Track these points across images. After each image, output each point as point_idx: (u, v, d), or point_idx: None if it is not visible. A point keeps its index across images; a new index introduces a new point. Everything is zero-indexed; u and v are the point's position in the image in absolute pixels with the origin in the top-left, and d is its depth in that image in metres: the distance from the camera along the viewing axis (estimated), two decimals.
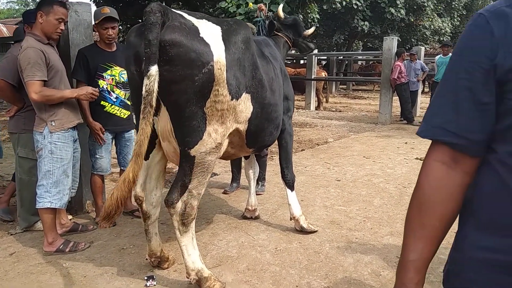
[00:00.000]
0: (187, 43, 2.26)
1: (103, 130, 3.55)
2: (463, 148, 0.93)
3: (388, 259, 3.07)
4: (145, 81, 2.18)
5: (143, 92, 2.19)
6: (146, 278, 2.76)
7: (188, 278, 2.60)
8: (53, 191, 3.07)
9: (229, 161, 5.24)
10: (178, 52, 2.25)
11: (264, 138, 3.00)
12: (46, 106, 3.05)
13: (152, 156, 2.70)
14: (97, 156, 3.63)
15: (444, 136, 0.94)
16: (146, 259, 2.93)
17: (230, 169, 4.90)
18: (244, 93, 2.58)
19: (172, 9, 2.38)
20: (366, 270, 2.89)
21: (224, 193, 4.68)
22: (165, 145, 2.59)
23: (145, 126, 2.22)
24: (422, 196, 0.98)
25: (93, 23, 3.73)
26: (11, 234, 3.50)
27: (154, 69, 2.17)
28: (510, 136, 0.87)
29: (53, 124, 3.06)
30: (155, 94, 2.19)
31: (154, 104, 2.20)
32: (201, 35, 2.34)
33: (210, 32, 2.39)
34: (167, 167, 2.93)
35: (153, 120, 2.47)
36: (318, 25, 12.76)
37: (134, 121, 3.82)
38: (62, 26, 3.14)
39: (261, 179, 4.66)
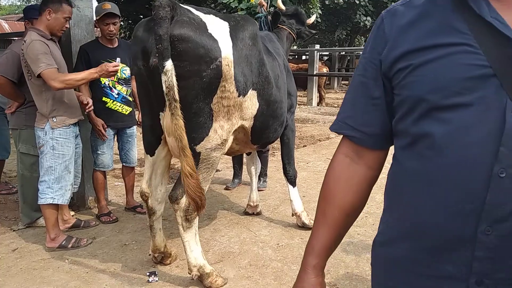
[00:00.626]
0: (196, 39, 2.25)
1: (105, 126, 3.54)
2: (361, 141, 0.97)
3: None
4: (163, 78, 2.18)
5: (164, 89, 2.19)
6: (148, 274, 2.76)
7: (190, 274, 2.61)
8: (55, 187, 3.08)
9: (231, 157, 5.24)
10: (187, 48, 2.24)
11: (269, 134, 3.00)
12: (47, 102, 3.05)
13: (157, 152, 2.70)
14: (99, 152, 3.64)
15: (344, 130, 0.99)
16: (149, 254, 2.94)
17: (232, 165, 4.90)
18: (250, 90, 2.57)
19: (180, 4, 2.37)
20: (368, 265, 2.87)
21: (226, 189, 4.68)
22: (171, 141, 2.58)
23: (177, 121, 2.23)
24: (326, 186, 1.02)
25: (94, 19, 3.72)
26: (14, 230, 3.52)
27: (169, 64, 2.16)
28: (399, 130, 0.89)
29: (55, 120, 3.06)
30: (176, 89, 2.19)
31: (177, 98, 2.20)
32: (209, 31, 2.32)
33: (218, 28, 2.38)
34: (171, 163, 2.93)
35: (159, 115, 2.48)
36: (319, 17, 12.67)
37: (136, 118, 3.83)
38: (67, 24, 3.15)
39: (262, 175, 4.65)
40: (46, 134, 3.06)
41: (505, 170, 0.74)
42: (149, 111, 2.59)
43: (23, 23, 3.67)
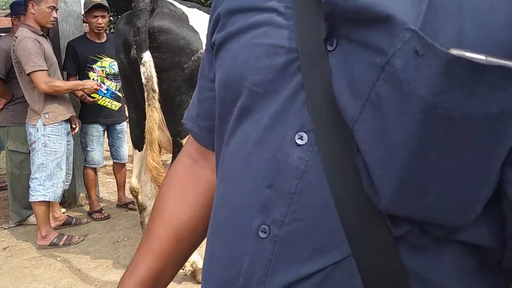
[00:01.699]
0: (176, 30, 2.25)
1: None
2: (200, 138, 0.70)
3: None
4: (142, 69, 2.19)
5: (143, 79, 2.20)
6: None
7: (183, 269, 2.60)
8: (47, 184, 3.05)
9: None
10: (167, 39, 2.24)
11: None
12: (39, 98, 3.01)
13: (145, 146, 2.68)
14: (89, 148, 3.60)
15: (185, 120, 0.73)
16: None
17: None
18: None
19: None
20: None
21: None
22: (158, 134, 2.57)
23: (152, 113, 2.24)
24: (159, 193, 0.73)
25: (82, 12, 3.68)
26: (4, 229, 3.48)
27: (147, 55, 2.17)
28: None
29: (47, 116, 3.02)
30: (155, 79, 2.20)
31: (156, 89, 2.21)
32: (190, 23, 2.33)
33: (200, 21, 2.37)
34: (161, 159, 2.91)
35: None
36: None
37: (126, 113, 3.79)
38: (55, 14, 3.10)
39: None
40: (38, 131, 3.02)
41: (269, 228, 0.48)
42: (134, 104, 2.57)
43: (8, 19, 3.61)
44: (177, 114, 2.37)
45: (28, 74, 2.89)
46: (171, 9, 2.32)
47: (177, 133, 2.42)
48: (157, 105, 2.25)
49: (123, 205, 3.92)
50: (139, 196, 2.73)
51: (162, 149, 2.75)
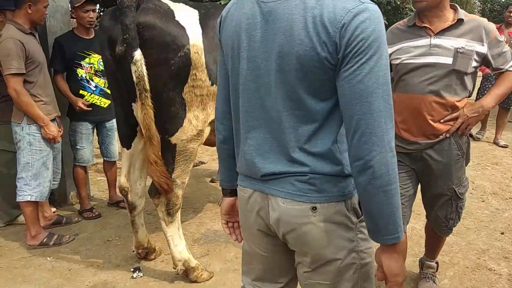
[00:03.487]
0: (161, 26, 2.21)
1: (86, 102, 3.40)
2: None
3: None
4: (133, 68, 2.16)
5: (134, 79, 2.18)
6: (132, 269, 2.72)
7: (175, 268, 2.57)
8: (33, 184, 3.00)
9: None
10: (152, 35, 2.19)
11: None
12: None
13: (134, 145, 2.63)
14: (78, 147, 3.55)
15: None
16: (133, 251, 2.89)
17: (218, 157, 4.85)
18: None
19: None
20: None
21: (212, 181, 4.64)
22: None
23: (147, 111, 2.23)
24: None
25: (70, 8, 3.61)
26: None
27: (138, 54, 2.14)
28: None
29: None
30: (146, 78, 2.18)
31: (148, 88, 2.20)
32: (176, 18, 2.28)
33: (186, 16, 2.33)
34: None
35: (132, 106, 2.42)
36: None
37: None
38: (46, 10, 3.08)
39: None
40: (22, 130, 2.97)
41: None
42: (120, 102, 2.52)
43: None
44: (165, 111, 2.33)
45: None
46: (156, 4, 2.27)
47: (165, 131, 2.37)
48: (150, 103, 2.22)
49: (114, 203, 3.88)
50: (129, 195, 2.68)
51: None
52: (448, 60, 1.96)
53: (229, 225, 1.52)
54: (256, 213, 1.25)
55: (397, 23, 2.18)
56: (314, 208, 1.13)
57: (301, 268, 1.24)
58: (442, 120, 2.03)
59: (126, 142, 2.62)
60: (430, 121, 2.03)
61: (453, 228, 2.29)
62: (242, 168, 1.28)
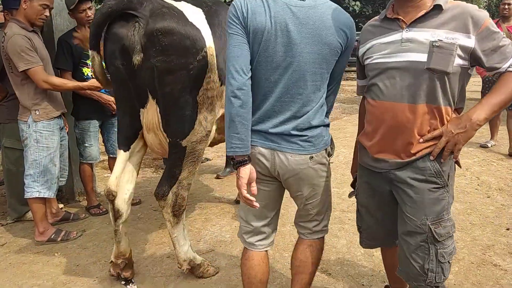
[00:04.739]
0: (180, 30, 2.15)
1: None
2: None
3: None
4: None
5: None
6: (123, 283, 2.59)
7: (180, 268, 2.59)
8: (41, 181, 3.03)
9: (224, 146, 5.15)
10: (172, 41, 2.14)
11: None
12: (29, 95, 2.98)
13: (132, 147, 2.54)
14: (86, 144, 3.57)
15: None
16: (110, 262, 2.62)
17: (224, 154, 4.87)
18: None
19: None
20: (359, 251, 2.90)
21: (217, 178, 4.66)
22: (150, 137, 2.46)
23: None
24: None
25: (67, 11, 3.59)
26: (2, 225, 3.48)
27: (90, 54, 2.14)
28: None
29: (37, 113, 3.00)
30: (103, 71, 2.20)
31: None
32: (190, 20, 2.22)
33: (195, 16, 2.28)
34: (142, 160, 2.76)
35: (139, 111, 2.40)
36: None
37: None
38: (47, 13, 3.03)
39: None
40: (29, 127, 3.00)
41: None
42: (129, 109, 2.43)
43: (2, 14, 3.56)
44: (178, 115, 2.30)
45: (23, 72, 2.86)
46: (165, 5, 2.19)
47: (176, 134, 2.33)
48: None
49: None
50: (116, 201, 2.49)
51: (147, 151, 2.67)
52: (423, 57, 1.57)
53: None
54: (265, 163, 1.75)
55: (373, 18, 1.85)
56: (311, 157, 1.72)
57: (299, 198, 1.85)
58: (421, 140, 1.63)
59: (126, 145, 2.53)
60: (405, 137, 1.64)
61: (438, 285, 1.71)
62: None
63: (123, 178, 2.52)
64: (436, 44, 1.54)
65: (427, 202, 1.65)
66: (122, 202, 2.50)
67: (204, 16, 2.34)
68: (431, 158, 1.63)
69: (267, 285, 1.97)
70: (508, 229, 3.22)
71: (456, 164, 1.74)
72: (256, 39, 1.62)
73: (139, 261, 2.86)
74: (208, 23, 2.33)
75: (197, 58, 2.22)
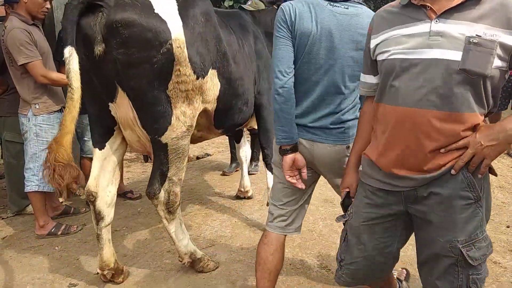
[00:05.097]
0: (141, 22, 2.07)
1: None
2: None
3: None
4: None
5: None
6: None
7: (181, 261, 2.59)
8: (41, 174, 3.03)
9: (226, 141, 5.13)
10: (132, 33, 2.04)
11: (233, 116, 2.81)
12: (29, 89, 2.98)
13: (108, 145, 2.45)
14: (86, 139, 3.57)
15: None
16: (96, 273, 2.55)
17: (225, 150, 4.87)
18: (210, 69, 2.40)
19: None
20: None
21: (223, 174, 4.65)
22: (127, 134, 2.41)
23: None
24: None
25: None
26: (3, 218, 3.48)
27: (67, 51, 2.00)
28: None
29: (37, 106, 3.00)
30: (74, 75, 2.02)
31: (77, 86, 2.03)
32: (156, 11, 2.13)
33: (165, 7, 2.18)
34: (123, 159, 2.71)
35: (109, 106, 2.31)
36: None
37: None
38: (48, 5, 3.04)
39: (255, 159, 4.63)
40: (29, 121, 3.00)
41: None
42: (94, 101, 2.35)
43: (3, 7, 3.54)
44: (151, 111, 2.22)
45: (22, 65, 2.86)
46: None
47: (154, 131, 2.27)
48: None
49: (121, 194, 3.91)
50: (97, 203, 2.41)
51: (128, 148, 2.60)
52: (456, 56, 1.30)
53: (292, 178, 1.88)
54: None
55: (389, 3, 1.54)
56: (348, 147, 1.86)
57: (330, 178, 2.01)
58: (443, 150, 1.36)
59: (100, 142, 2.45)
60: (428, 148, 1.37)
61: None
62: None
63: (103, 179, 2.45)
64: (474, 41, 1.28)
65: (457, 221, 1.38)
66: (104, 205, 2.44)
67: (176, 7, 2.24)
68: (453, 172, 1.36)
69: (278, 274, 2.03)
70: (508, 227, 3.22)
71: (490, 174, 1.45)
72: (301, 42, 1.78)
73: (139, 255, 2.86)
74: (180, 14, 2.22)
75: (161, 51, 2.12)
